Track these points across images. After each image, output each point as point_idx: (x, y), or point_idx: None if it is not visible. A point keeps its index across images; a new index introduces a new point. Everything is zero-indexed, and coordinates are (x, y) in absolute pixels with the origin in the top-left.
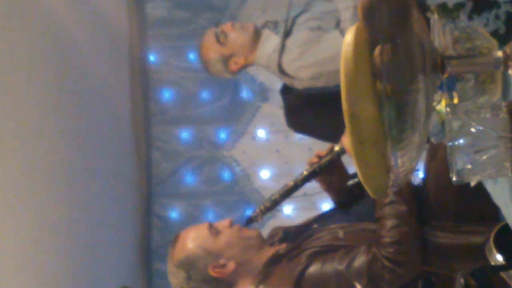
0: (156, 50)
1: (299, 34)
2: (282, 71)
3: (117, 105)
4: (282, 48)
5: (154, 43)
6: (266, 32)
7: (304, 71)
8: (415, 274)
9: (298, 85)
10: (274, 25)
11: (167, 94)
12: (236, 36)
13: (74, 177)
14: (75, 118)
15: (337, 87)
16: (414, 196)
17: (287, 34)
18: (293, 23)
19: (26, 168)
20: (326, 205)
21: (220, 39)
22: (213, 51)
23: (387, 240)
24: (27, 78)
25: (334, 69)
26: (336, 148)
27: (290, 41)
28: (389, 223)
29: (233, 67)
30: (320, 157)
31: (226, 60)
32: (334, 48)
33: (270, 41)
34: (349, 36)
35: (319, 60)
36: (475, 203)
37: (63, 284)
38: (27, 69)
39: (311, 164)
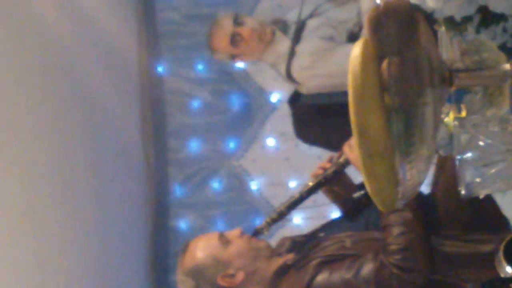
0: (165, 62)
1: (311, 42)
2: (289, 76)
3: (126, 116)
4: (292, 53)
5: (163, 54)
6: (278, 34)
7: (314, 80)
8: (423, 281)
9: (304, 91)
10: (284, 25)
11: (176, 105)
12: (252, 44)
13: (85, 190)
14: (86, 130)
15: (345, 96)
16: (420, 204)
17: (297, 38)
18: (304, 26)
19: (39, 185)
20: (336, 214)
21: (235, 40)
22: (223, 46)
23: (394, 247)
24: (37, 97)
25: (343, 83)
26: (341, 159)
27: (300, 48)
28: (396, 230)
29: (238, 61)
30: (324, 169)
31: (233, 57)
32: (346, 64)
33: (282, 44)
34: (357, 50)
35: (331, 73)
36: (484, 213)
37: None
38: (37, 88)
39: (316, 175)
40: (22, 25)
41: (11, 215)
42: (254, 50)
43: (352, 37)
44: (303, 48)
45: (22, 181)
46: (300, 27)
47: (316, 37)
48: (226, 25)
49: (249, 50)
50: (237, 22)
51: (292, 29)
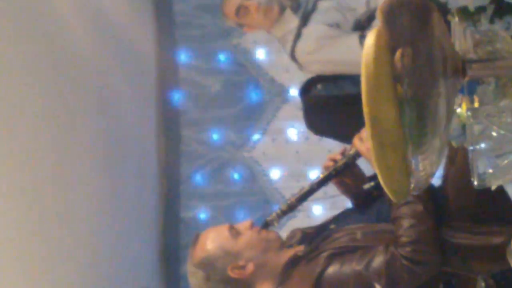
0: (181, 52)
1: (317, 27)
2: (293, 57)
3: (140, 107)
4: (298, 34)
5: (179, 45)
6: (288, 12)
7: (316, 66)
8: (434, 273)
9: (306, 72)
10: (297, 4)
11: (189, 96)
12: (256, 18)
13: (98, 181)
14: (100, 121)
15: (357, 87)
16: (431, 196)
17: (305, 20)
18: (314, 8)
19: (51, 175)
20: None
21: (239, 13)
22: (229, 16)
23: (404, 239)
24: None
25: (346, 71)
26: (351, 151)
27: (307, 31)
28: (406, 222)
29: (244, 30)
30: (335, 161)
31: (240, 26)
32: (349, 52)
33: (290, 22)
34: (370, 40)
35: (333, 60)
36: (494, 205)
37: (87, 283)
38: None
39: (327, 167)
40: (36, 19)
41: (23, 202)
42: (259, 24)
43: (359, 26)
44: (308, 31)
45: (35, 172)
46: (311, 8)
47: (323, 22)
48: None
49: (253, 23)
50: None
51: (302, 9)
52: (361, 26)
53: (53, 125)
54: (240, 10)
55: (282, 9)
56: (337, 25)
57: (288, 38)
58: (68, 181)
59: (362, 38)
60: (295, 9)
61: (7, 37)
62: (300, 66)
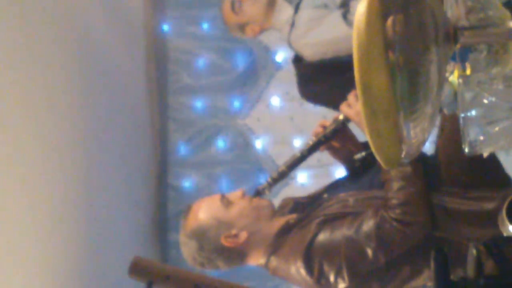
0: (170, 19)
1: (305, 12)
2: (290, 45)
3: (131, 74)
4: (292, 23)
5: (168, 12)
6: (279, 2)
7: (308, 49)
8: (424, 235)
9: (306, 58)
10: None
11: (180, 64)
12: (250, 6)
13: (87, 147)
14: (89, 87)
15: (349, 56)
16: (420, 158)
17: (297, 8)
18: None
19: (42, 140)
20: (340, 173)
21: (235, 8)
22: (229, 18)
23: (394, 201)
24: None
25: (335, 51)
26: (340, 116)
27: (298, 18)
28: (395, 185)
29: (249, 33)
30: (325, 127)
31: (242, 27)
32: (333, 32)
33: (285, 11)
34: (362, 7)
35: (322, 41)
36: (486, 171)
37: (76, 254)
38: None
39: (317, 134)
40: None
41: (17, 175)
42: (256, 13)
43: (344, 3)
44: (299, 17)
45: (28, 139)
46: None
47: (310, 6)
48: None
49: (251, 14)
50: None
51: None
52: (346, 2)
53: (44, 87)
54: (235, 4)
55: (270, 1)
56: (324, 6)
57: (285, 28)
58: (56, 145)
59: (346, 13)
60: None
61: None
62: (297, 53)
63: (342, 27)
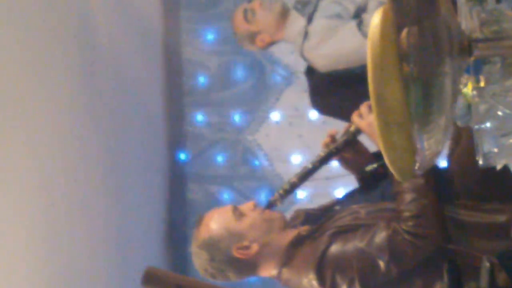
0: (184, 32)
1: (319, 22)
2: (303, 57)
3: (148, 81)
4: (305, 34)
5: (183, 25)
6: (293, 14)
7: (322, 60)
8: (436, 248)
9: (319, 69)
10: (302, 5)
11: (190, 77)
12: (263, 15)
13: (103, 156)
14: (107, 104)
15: (363, 68)
16: (433, 171)
17: (310, 19)
18: (317, 6)
19: (58, 142)
20: (341, 189)
21: (247, 17)
22: (241, 28)
23: (406, 214)
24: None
25: (348, 62)
26: (351, 128)
27: (311, 28)
28: (408, 197)
29: (259, 43)
30: (333, 137)
31: (252, 37)
32: (348, 42)
33: (297, 23)
34: (376, 18)
35: (334, 53)
36: (498, 183)
37: (92, 262)
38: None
39: (327, 145)
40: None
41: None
42: (269, 22)
43: (360, 11)
44: (313, 28)
45: (41, 142)
46: (314, 6)
47: (323, 16)
48: (239, 8)
49: (264, 24)
50: (249, 0)
51: (308, 9)
52: (362, 10)
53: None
54: (247, 14)
55: (286, 10)
56: (338, 16)
57: (297, 39)
58: (74, 156)
59: (360, 24)
60: (299, 10)
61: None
62: (311, 64)
63: (357, 38)
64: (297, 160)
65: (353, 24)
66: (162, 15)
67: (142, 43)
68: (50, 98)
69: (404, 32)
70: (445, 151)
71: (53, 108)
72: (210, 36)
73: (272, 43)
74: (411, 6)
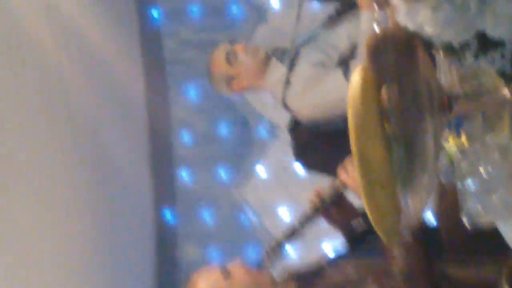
0: (166, 89)
1: (302, 70)
2: (285, 106)
3: (134, 157)
4: (287, 82)
5: (166, 81)
6: (273, 61)
7: (305, 109)
8: None
9: (300, 118)
10: (281, 53)
11: (175, 134)
12: (245, 60)
13: (93, 228)
14: (91, 168)
15: (345, 122)
16: (420, 226)
17: (291, 66)
18: (298, 54)
19: (56, 204)
20: (328, 245)
21: (229, 59)
22: (220, 68)
23: (394, 269)
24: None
25: (335, 111)
26: (337, 183)
27: (294, 76)
28: (396, 252)
29: (235, 87)
30: (319, 194)
31: (229, 79)
32: (335, 91)
33: (277, 71)
34: (356, 77)
35: (321, 103)
36: (486, 238)
37: None
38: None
39: (313, 202)
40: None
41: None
42: (250, 68)
43: (343, 61)
44: (295, 76)
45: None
46: (295, 54)
47: (307, 64)
48: (223, 47)
49: (244, 69)
50: (232, 42)
51: (288, 57)
52: (346, 60)
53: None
54: (230, 56)
55: (268, 58)
56: (322, 64)
57: (278, 87)
58: (60, 222)
59: (346, 72)
60: (280, 58)
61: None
62: (293, 113)
63: (344, 86)
64: (285, 213)
65: (339, 73)
66: (144, 74)
67: (123, 104)
68: (34, 171)
69: (384, 90)
70: (431, 206)
71: (36, 176)
72: (192, 93)
73: (247, 89)
74: (390, 63)
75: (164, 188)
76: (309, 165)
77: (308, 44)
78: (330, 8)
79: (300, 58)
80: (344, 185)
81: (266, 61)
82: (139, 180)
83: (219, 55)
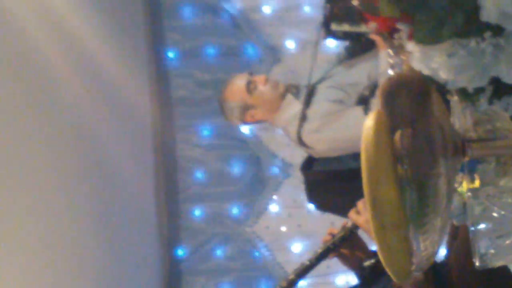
0: (178, 128)
1: (320, 106)
2: (300, 141)
3: (141, 182)
4: (303, 117)
5: (176, 121)
6: (289, 97)
7: (322, 144)
8: None
9: (314, 154)
10: (297, 90)
11: (187, 172)
12: (265, 91)
13: (98, 254)
14: (100, 195)
15: (357, 161)
16: (431, 266)
17: (308, 103)
18: (314, 90)
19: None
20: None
21: (250, 87)
22: (237, 96)
23: None
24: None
25: (352, 148)
26: (349, 224)
27: (311, 112)
28: None
29: (248, 118)
30: (333, 235)
31: (245, 109)
32: (355, 127)
33: (292, 107)
34: (370, 121)
35: (338, 137)
36: (497, 279)
37: None
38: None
39: (325, 241)
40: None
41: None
42: (268, 100)
43: (363, 100)
44: (312, 112)
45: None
46: (311, 91)
47: (326, 100)
48: (242, 76)
49: (263, 100)
50: (251, 74)
51: (303, 94)
52: (366, 99)
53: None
54: (250, 85)
55: (286, 92)
56: (340, 102)
57: (293, 123)
58: (68, 254)
59: (367, 110)
60: (296, 95)
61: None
62: (309, 149)
63: (362, 121)
64: (298, 249)
65: (359, 109)
66: (155, 113)
67: (136, 142)
68: (42, 207)
69: (397, 134)
70: (443, 246)
71: (44, 215)
72: (205, 132)
73: (261, 121)
74: (404, 107)
75: (175, 226)
76: (321, 205)
77: (325, 81)
78: (348, 46)
79: (317, 94)
80: (356, 226)
81: (283, 96)
82: (151, 218)
83: (240, 82)
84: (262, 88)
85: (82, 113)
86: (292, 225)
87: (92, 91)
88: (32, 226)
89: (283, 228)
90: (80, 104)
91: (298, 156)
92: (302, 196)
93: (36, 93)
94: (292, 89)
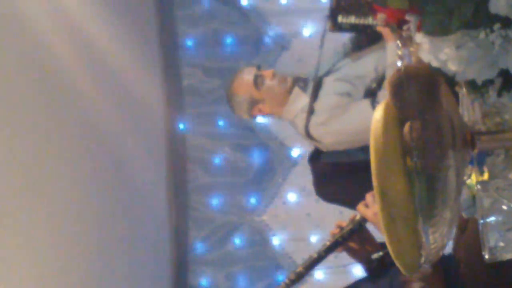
0: (187, 118)
1: (328, 98)
2: (308, 134)
3: (150, 173)
4: (311, 110)
5: (185, 110)
6: (296, 90)
7: (329, 137)
8: None
9: (322, 147)
10: (304, 83)
11: (197, 162)
12: (273, 85)
13: (107, 247)
14: (110, 187)
15: (365, 154)
16: (440, 260)
17: (315, 96)
18: (321, 83)
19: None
20: (358, 269)
21: (257, 82)
22: (245, 90)
23: None
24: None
25: (359, 141)
26: (357, 217)
27: (318, 105)
28: (416, 286)
29: (256, 112)
30: (341, 227)
31: (253, 103)
32: (362, 120)
33: (299, 100)
34: (379, 113)
35: (346, 130)
36: (506, 272)
37: None
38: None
39: (334, 234)
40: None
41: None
42: (276, 94)
43: (370, 93)
44: (320, 105)
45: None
46: (318, 84)
47: (333, 93)
48: (250, 70)
49: (270, 94)
50: (259, 67)
51: (311, 87)
52: (373, 92)
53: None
54: (258, 79)
55: (293, 86)
56: (348, 94)
57: (300, 116)
58: (75, 243)
59: (374, 103)
60: (303, 88)
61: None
62: (316, 142)
63: (371, 116)
64: (307, 237)
65: (366, 102)
66: (166, 103)
67: (147, 132)
68: (58, 199)
69: (406, 126)
70: (452, 239)
71: (59, 208)
72: (216, 122)
73: (269, 114)
74: (413, 100)
75: (186, 215)
76: (328, 198)
77: (332, 74)
78: (353, 38)
79: (324, 87)
80: (364, 219)
81: (290, 90)
82: (162, 208)
83: (247, 77)
84: (270, 82)
85: (93, 104)
86: (301, 214)
87: (103, 82)
88: (49, 218)
89: (292, 217)
90: (91, 95)
91: (307, 145)
92: (311, 184)
93: (49, 87)
94: (300, 82)
